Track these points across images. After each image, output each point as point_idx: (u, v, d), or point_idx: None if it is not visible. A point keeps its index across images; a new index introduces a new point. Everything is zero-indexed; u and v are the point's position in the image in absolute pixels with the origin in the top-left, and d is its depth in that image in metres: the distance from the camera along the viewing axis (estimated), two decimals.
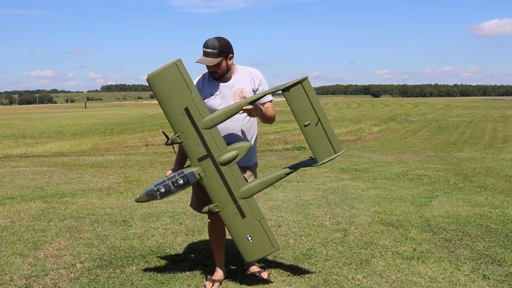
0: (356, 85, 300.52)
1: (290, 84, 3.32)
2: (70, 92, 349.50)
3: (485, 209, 5.85)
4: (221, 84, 3.61)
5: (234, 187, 3.46)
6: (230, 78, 3.62)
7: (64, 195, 7.25)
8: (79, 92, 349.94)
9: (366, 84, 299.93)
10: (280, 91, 3.39)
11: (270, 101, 3.67)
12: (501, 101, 72.39)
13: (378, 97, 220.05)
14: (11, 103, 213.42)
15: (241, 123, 3.62)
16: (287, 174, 3.54)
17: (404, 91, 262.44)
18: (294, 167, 3.56)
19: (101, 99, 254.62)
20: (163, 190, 3.44)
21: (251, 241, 3.54)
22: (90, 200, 6.88)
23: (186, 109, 3.37)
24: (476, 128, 21.40)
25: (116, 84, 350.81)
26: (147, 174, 9.41)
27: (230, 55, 3.55)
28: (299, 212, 5.89)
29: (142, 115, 47.56)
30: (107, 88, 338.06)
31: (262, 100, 3.58)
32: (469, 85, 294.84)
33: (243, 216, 3.50)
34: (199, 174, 3.43)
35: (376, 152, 12.89)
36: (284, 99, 3.42)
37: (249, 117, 3.62)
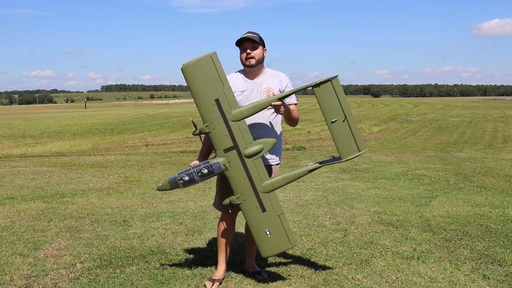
0: (356, 85, 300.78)
1: (321, 81, 3.43)
2: (70, 92, 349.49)
3: (485, 209, 5.85)
4: (250, 81, 3.72)
5: (257, 180, 3.51)
6: (259, 76, 3.74)
7: (64, 195, 7.25)
8: (79, 92, 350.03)
9: (366, 84, 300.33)
10: (310, 88, 3.50)
11: (295, 104, 3.76)
12: (501, 101, 72.41)
13: (378, 97, 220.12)
14: (11, 103, 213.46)
15: (268, 119, 3.70)
16: (310, 171, 3.60)
17: (404, 91, 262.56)
18: (320, 164, 3.60)
19: (101, 99, 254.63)
20: (186, 178, 3.48)
21: (269, 235, 3.57)
22: (90, 200, 6.88)
23: (217, 100, 3.44)
24: (476, 128, 21.40)
25: (116, 84, 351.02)
26: (147, 174, 9.41)
27: (265, 48, 3.74)
28: (299, 212, 5.89)
29: (142, 115, 47.58)
30: (107, 88, 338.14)
31: (288, 101, 3.67)
32: (469, 85, 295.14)
33: (264, 210, 3.54)
34: (224, 165, 3.48)
35: (376, 152, 12.89)
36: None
37: (275, 114, 3.69)
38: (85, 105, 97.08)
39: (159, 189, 3.59)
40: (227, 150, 3.48)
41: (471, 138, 17.19)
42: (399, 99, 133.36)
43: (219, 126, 3.46)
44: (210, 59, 3.43)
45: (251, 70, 3.71)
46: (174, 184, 3.52)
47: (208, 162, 3.50)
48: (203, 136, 3.65)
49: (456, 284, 3.64)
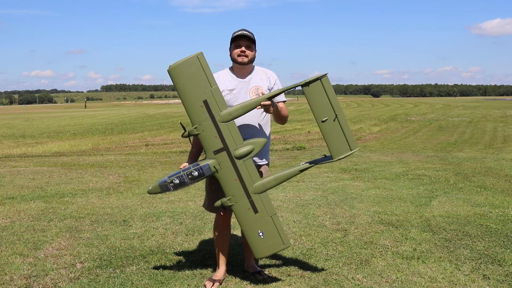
0: (356, 85, 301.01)
1: (310, 80, 3.39)
2: (70, 92, 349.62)
3: (485, 209, 5.85)
4: (239, 79, 3.68)
5: (248, 182, 3.48)
6: (248, 75, 3.70)
7: (64, 195, 7.25)
8: (79, 92, 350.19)
9: (366, 84, 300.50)
10: (299, 87, 3.46)
11: (284, 101, 3.72)
12: (501, 101, 72.39)
13: (378, 97, 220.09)
14: (11, 103, 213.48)
15: (257, 119, 3.67)
16: (301, 170, 3.57)
17: (404, 91, 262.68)
18: (310, 164, 3.58)
19: (101, 99, 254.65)
20: (177, 181, 3.44)
21: (262, 237, 3.54)
22: (90, 200, 6.88)
23: (205, 102, 3.40)
24: (476, 128, 21.40)
25: (116, 84, 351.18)
26: (147, 174, 9.41)
27: (256, 49, 3.70)
28: (299, 212, 5.89)
29: (142, 115, 47.55)
30: (107, 88, 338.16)
31: (277, 99, 3.63)
32: (469, 85, 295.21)
33: (256, 211, 3.51)
34: (214, 167, 3.45)
35: (376, 152, 12.89)
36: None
37: (264, 114, 3.67)
38: (85, 105, 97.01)
39: (149, 193, 3.55)
40: (217, 152, 3.44)
41: (471, 138, 17.19)
42: (399, 99, 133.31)
43: (208, 128, 3.42)
44: (197, 60, 3.38)
45: (240, 68, 3.66)
46: (164, 187, 3.47)
47: (198, 164, 3.45)
48: (192, 138, 3.60)
49: (456, 284, 3.64)
